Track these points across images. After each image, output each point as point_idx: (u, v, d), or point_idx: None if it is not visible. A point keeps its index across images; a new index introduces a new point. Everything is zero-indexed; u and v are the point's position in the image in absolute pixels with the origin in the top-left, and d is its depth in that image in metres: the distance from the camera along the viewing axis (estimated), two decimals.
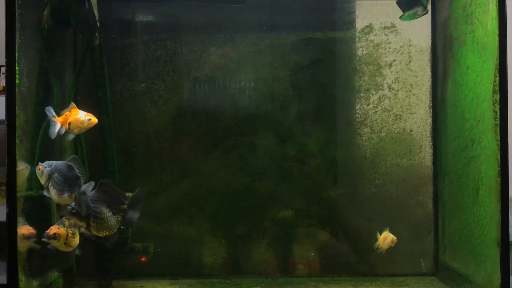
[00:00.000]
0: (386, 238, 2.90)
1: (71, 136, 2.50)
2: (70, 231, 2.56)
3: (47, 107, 2.48)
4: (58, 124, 2.47)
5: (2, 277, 2.60)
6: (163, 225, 3.30)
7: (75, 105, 2.48)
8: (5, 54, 2.46)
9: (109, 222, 2.42)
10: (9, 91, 2.47)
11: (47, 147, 2.81)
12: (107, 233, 2.43)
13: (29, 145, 2.68)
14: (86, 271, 3.19)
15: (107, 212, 2.42)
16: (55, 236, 2.51)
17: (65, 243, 2.55)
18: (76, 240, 2.59)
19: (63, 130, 2.47)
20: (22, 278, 2.49)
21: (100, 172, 3.06)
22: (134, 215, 2.52)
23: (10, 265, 2.46)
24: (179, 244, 3.31)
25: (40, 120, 2.77)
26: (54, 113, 2.47)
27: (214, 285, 3.15)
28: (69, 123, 2.45)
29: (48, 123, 2.49)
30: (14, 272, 2.45)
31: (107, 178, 3.05)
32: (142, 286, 3.12)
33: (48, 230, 2.51)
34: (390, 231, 3.33)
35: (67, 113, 2.47)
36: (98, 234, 2.42)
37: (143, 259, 3.20)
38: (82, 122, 2.45)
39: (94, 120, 2.46)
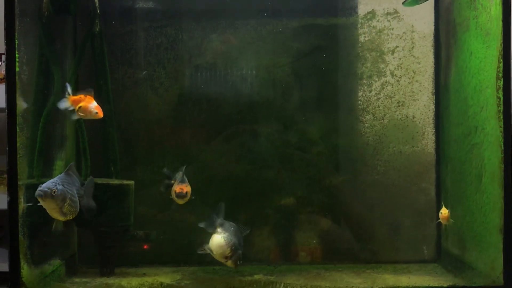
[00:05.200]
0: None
1: (74, 117, 2.55)
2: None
3: (67, 84, 2.55)
4: (68, 102, 2.53)
5: (4, 264, 2.61)
6: (165, 213, 3.30)
7: (93, 93, 2.55)
8: (4, 42, 2.45)
9: (78, 206, 2.41)
10: (9, 79, 2.47)
11: (48, 135, 2.80)
12: (72, 216, 2.39)
13: (30, 133, 2.68)
14: (88, 258, 3.20)
15: (77, 196, 2.41)
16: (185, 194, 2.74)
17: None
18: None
19: (70, 108, 2.53)
20: (24, 266, 2.50)
21: (101, 160, 3.06)
22: (90, 202, 2.58)
23: (12, 253, 2.47)
24: (181, 231, 3.30)
25: (41, 107, 2.76)
26: (70, 91, 2.52)
27: (216, 272, 3.15)
28: (79, 107, 2.52)
29: (54, 102, 2.64)
30: (16, 260, 2.46)
31: (108, 166, 3.05)
32: (144, 274, 3.12)
33: (179, 190, 2.73)
34: (393, 218, 3.35)
35: (82, 96, 2.53)
36: (65, 217, 2.36)
37: (145, 246, 3.21)
38: (90, 112, 2.52)
39: (101, 114, 2.54)
